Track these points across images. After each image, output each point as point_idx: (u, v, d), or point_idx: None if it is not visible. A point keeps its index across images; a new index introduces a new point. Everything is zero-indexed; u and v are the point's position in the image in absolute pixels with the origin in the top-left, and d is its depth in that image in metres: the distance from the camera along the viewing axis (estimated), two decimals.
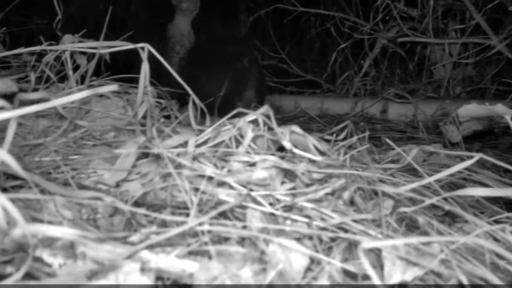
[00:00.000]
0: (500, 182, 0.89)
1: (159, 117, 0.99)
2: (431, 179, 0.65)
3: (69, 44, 1.00)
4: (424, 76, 2.25)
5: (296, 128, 0.71)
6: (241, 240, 0.54)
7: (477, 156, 0.65)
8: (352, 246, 0.55)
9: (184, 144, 0.69)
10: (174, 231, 0.48)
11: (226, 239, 0.55)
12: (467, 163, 0.64)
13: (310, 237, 0.56)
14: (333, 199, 0.63)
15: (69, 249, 0.48)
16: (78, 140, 0.81)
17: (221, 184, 0.62)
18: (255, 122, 0.71)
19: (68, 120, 0.84)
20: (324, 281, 0.49)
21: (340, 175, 0.65)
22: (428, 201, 0.63)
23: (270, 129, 0.71)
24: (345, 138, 1.04)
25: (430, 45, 2.19)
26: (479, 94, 2.17)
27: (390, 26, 2.20)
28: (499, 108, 0.90)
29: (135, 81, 0.88)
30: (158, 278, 0.48)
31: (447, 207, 0.66)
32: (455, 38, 2.08)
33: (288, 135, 0.69)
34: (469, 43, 2.07)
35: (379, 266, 0.52)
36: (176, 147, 0.69)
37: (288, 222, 0.58)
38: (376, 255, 0.55)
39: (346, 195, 0.65)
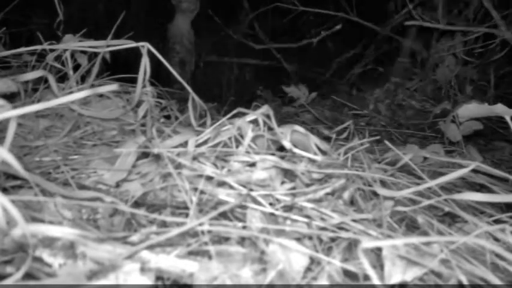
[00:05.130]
0: (499, 180, 0.89)
1: (159, 117, 0.99)
2: (429, 184, 0.65)
3: (70, 43, 1.00)
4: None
5: (298, 128, 0.71)
6: (241, 240, 0.54)
7: (473, 164, 0.66)
8: (352, 246, 0.55)
9: (184, 144, 0.69)
10: (174, 231, 0.48)
11: (226, 239, 0.55)
12: (463, 171, 0.65)
13: (310, 237, 0.56)
14: (333, 199, 0.63)
15: (69, 249, 0.48)
16: (78, 140, 0.81)
17: (221, 184, 0.62)
18: (255, 121, 0.71)
19: (73, 120, 0.84)
20: (323, 281, 0.49)
21: (340, 175, 0.65)
22: (426, 202, 0.64)
23: (270, 129, 0.71)
24: (346, 138, 1.04)
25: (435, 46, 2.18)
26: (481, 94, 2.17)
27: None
28: (499, 108, 0.90)
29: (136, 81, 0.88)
30: (158, 278, 0.48)
31: (447, 208, 0.66)
32: (463, 26, 2.05)
33: (288, 135, 0.69)
34: (473, 44, 2.06)
35: (379, 266, 0.52)
36: (176, 147, 0.69)
37: (288, 222, 0.58)
38: (376, 255, 0.55)
39: (346, 195, 0.65)
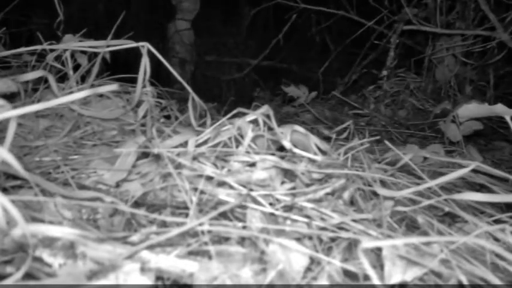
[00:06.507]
0: (499, 180, 0.89)
1: (159, 117, 0.99)
2: (429, 184, 0.65)
3: (70, 43, 1.00)
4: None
5: (298, 128, 0.71)
6: (241, 240, 0.54)
7: (473, 164, 0.66)
8: (352, 246, 0.55)
9: (184, 144, 0.69)
10: (174, 231, 0.48)
11: (226, 239, 0.55)
12: (463, 171, 0.65)
13: (310, 237, 0.56)
14: (333, 199, 0.63)
15: (69, 249, 0.48)
16: (78, 140, 0.81)
17: (221, 184, 0.62)
18: (255, 121, 0.71)
19: (73, 120, 0.84)
20: (323, 281, 0.49)
21: (340, 175, 0.65)
22: (426, 202, 0.64)
23: (270, 129, 0.71)
24: (346, 138, 1.04)
25: (435, 43, 2.18)
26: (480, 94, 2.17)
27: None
28: (499, 108, 0.90)
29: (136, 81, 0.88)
30: (158, 278, 0.48)
31: (447, 208, 0.66)
32: (461, 29, 2.05)
33: (288, 135, 0.69)
34: (472, 45, 2.07)
35: (379, 266, 0.52)
36: (176, 147, 0.69)
37: (288, 222, 0.58)
38: (376, 255, 0.55)
39: (346, 195, 0.65)
